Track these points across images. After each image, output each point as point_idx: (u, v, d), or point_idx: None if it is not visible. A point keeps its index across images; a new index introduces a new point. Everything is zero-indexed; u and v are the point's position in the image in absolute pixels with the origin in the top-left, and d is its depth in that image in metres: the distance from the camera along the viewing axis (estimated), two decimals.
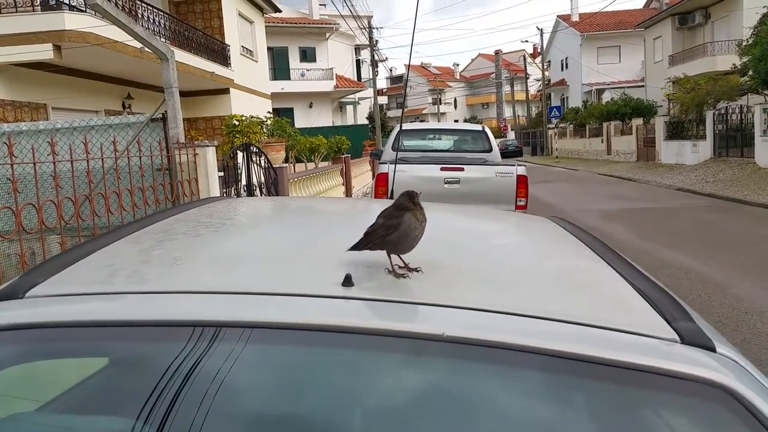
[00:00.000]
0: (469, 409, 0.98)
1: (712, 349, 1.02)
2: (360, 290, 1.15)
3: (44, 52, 10.99)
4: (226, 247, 1.53)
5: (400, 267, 1.27)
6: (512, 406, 1.01)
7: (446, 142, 9.58)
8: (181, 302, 1.15)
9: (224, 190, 7.61)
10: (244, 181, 8.63)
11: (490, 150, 9.02)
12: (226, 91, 18.01)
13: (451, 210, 2.29)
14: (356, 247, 1.29)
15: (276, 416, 1.01)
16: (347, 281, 1.16)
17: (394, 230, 1.27)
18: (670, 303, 1.17)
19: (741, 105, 21.37)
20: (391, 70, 68.32)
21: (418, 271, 1.25)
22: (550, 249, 1.67)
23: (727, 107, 21.90)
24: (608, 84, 42.02)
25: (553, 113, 42.50)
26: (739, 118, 21.00)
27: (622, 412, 0.97)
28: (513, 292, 1.23)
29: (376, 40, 34.25)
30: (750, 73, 19.41)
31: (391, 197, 2.86)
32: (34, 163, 4.67)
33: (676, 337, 1.03)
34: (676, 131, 25.60)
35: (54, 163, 4.80)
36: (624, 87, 38.64)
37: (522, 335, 1.01)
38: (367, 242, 1.28)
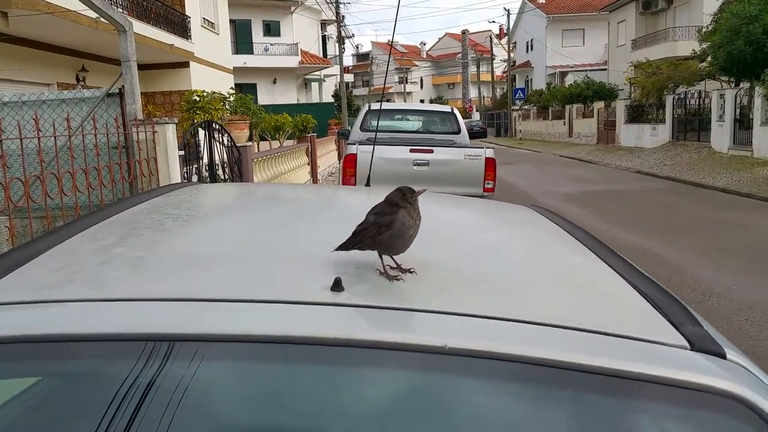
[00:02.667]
0: (473, 427, 0.89)
1: (723, 356, 0.95)
2: (351, 296, 1.03)
3: None
4: (197, 244, 1.37)
5: (392, 268, 1.16)
6: (519, 423, 0.93)
7: (415, 123, 9.48)
8: (141, 312, 1.00)
9: (185, 170, 7.34)
10: (205, 160, 8.36)
11: (458, 132, 8.97)
12: (185, 64, 17.44)
13: (431, 200, 2.18)
14: (344, 247, 1.17)
15: None
16: (336, 286, 1.04)
17: (387, 229, 1.15)
18: (675, 305, 1.10)
19: (699, 90, 21.89)
20: (357, 47, 67.69)
21: (411, 272, 1.14)
22: (543, 245, 1.58)
23: (686, 92, 22.40)
24: (572, 67, 42.46)
25: (517, 95, 42.81)
26: (697, 103, 21.51)
27: (632, 425, 0.90)
28: (514, 296, 1.13)
29: (343, 16, 33.73)
30: (709, 59, 19.89)
31: (368, 184, 2.72)
32: None
33: (686, 344, 0.96)
34: (637, 115, 26.08)
35: (0, 140, 4.51)
36: (587, 70, 39.16)
37: (532, 346, 0.92)
38: (356, 242, 1.16)
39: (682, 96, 22.40)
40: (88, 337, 0.94)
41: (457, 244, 1.46)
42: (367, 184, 2.66)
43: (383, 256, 1.17)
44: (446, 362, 0.90)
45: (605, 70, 37.29)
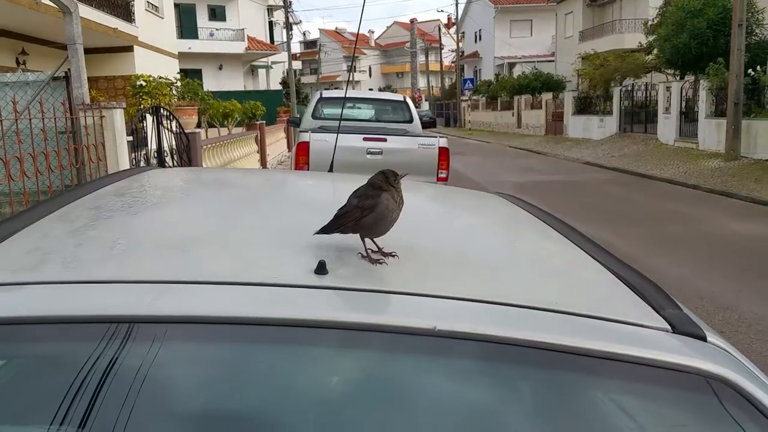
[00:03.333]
0: (457, 408, 0.91)
1: (703, 338, 0.99)
2: (335, 279, 1.03)
3: None
4: (173, 227, 1.34)
5: (374, 252, 1.16)
6: (505, 404, 0.95)
7: (367, 112, 9.45)
8: (122, 293, 0.98)
9: (133, 156, 7.12)
10: (153, 147, 8.13)
11: (411, 120, 8.99)
12: (129, 48, 16.81)
13: (402, 186, 2.19)
14: (325, 230, 1.16)
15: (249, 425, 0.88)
16: (321, 269, 1.03)
17: (370, 212, 1.15)
18: (653, 289, 1.13)
19: (646, 83, 22.51)
20: (305, 34, 66.81)
21: (393, 256, 1.14)
22: (518, 230, 1.60)
23: (633, 84, 23.01)
24: (520, 58, 42.96)
25: (466, 85, 43.21)
26: (644, 95, 22.13)
27: (617, 406, 0.93)
28: (496, 280, 1.15)
29: (290, 1, 33.16)
30: (655, 51, 20.42)
31: (331, 170, 2.71)
32: None
33: (667, 326, 0.99)
34: (584, 106, 26.67)
35: None
36: (535, 61, 39.66)
37: (515, 328, 0.93)
38: (338, 225, 1.16)
39: (630, 88, 23.00)
40: (54, 320, 0.91)
41: (434, 229, 1.48)
42: (330, 170, 2.65)
43: (365, 240, 1.16)
44: (433, 344, 0.90)
45: (553, 61, 37.94)
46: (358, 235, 1.17)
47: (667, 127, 19.51)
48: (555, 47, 38.77)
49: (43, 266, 1.11)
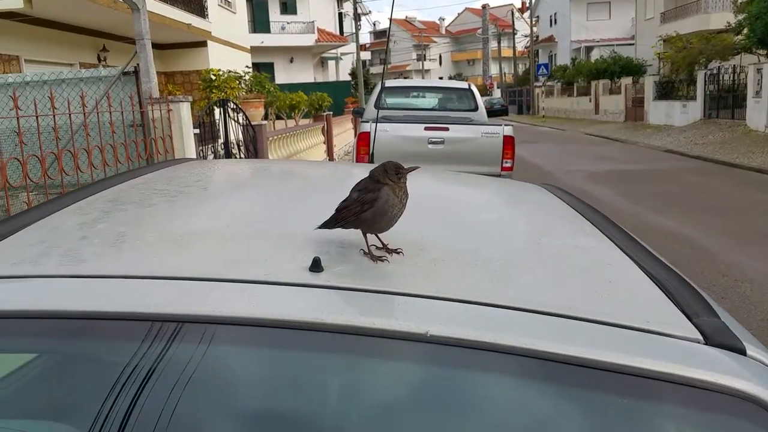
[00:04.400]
0: (452, 424, 0.82)
1: (742, 352, 0.85)
2: (330, 277, 0.97)
3: (14, 0, 10.43)
4: (179, 221, 1.33)
5: (377, 248, 1.09)
6: (501, 420, 0.85)
7: (431, 101, 9.31)
8: (113, 289, 0.96)
9: (200, 148, 7.32)
10: (222, 139, 8.34)
11: (476, 109, 8.78)
12: (203, 43, 17.40)
13: (435, 177, 2.08)
14: (327, 225, 1.10)
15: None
16: (315, 266, 0.98)
17: (370, 207, 1.08)
18: (690, 293, 0.99)
19: (734, 65, 21.12)
20: (374, 24, 66.93)
21: (398, 253, 1.08)
22: (549, 226, 1.48)
23: (719, 67, 21.66)
24: (597, 41, 41.53)
25: (540, 71, 41.92)
26: (731, 78, 20.77)
27: (632, 428, 0.81)
28: (509, 281, 1.05)
29: None
30: (745, 31, 19.10)
31: (371, 161, 2.64)
32: None
33: (699, 337, 0.86)
34: (666, 91, 25.39)
35: (18, 118, 4.51)
36: (613, 45, 38.22)
37: (522, 335, 0.83)
38: (338, 219, 1.10)
39: (715, 71, 21.65)
40: (52, 314, 0.90)
41: (457, 223, 1.38)
42: (371, 160, 2.57)
43: (368, 235, 1.10)
44: (426, 350, 0.83)
45: (633, 44, 36.34)
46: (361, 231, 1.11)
47: (756, 112, 18.20)
48: (635, 30, 37.04)
49: (43, 260, 1.11)
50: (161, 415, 0.76)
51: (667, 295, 0.99)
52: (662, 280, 1.04)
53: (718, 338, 0.86)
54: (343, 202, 1.11)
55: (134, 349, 0.87)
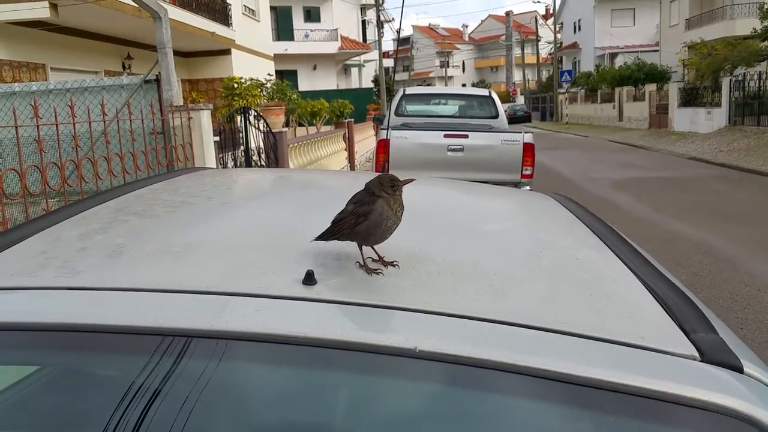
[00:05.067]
0: None
1: (739, 370, 0.82)
2: (323, 290, 0.96)
3: (40, 9, 10.67)
4: (179, 232, 1.33)
5: (373, 260, 1.09)
6: None
7: (451, 108, 9.29)
8: (104, 301, 0.96)
9: (220, 156, 7.38)
10: (242, 146, 8.40)
11: (496, 116, 8.74)
12: (227, 51, 17.61)
13: (439, 185, 2.06)
14: (323, 237, 1.10)
15: None
16: (309, 279, 0.97)
17: (364, 219, 1.08)
18: (689, 308, 0.97)
19: (760, 71, 20.74)
20: (398, 32, 67.06)
21: (394, 266, 1.07)
22: (552, 237, 1.45)
23: (744, 74, 21.29)
24: (621, 48, 41.17)
25: (564, 77, 41.61)
26: (757, 85, 20.38)
27: None
28: (504, 295, 1.03)
29: (382, 0, 33.41)
30: None
31: (384, 169, 2.62)
32: (16, 127, 4.46)
33: (695, 353, 0.84)
34: (691, 98, 25.02)
35: (38, 126, 4.59)
36: (638, 51, 37.91)
37: (512, 351, 0.82)
38: (334, 231, 1.10)
39: (741, 78, 21.29)
40: (46, 327, 0.90)
41: (458, 235, 1.35)
42: (384, 169, 2.56)
43: (364, 248, 1.10)
44: (415, 366, 0.81)
45: (657, 51, 35.95)
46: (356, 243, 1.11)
47: None
48: (659, 36, 36.65)
49: (41, 271, 1.11)
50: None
51: (665, 310, 0.96)
52: (662, 294, 1.02)
53: (715, 355, 0.83)
54: (339, 214, 1.11)
55: (123, 362, 0.88)
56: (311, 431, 0.84)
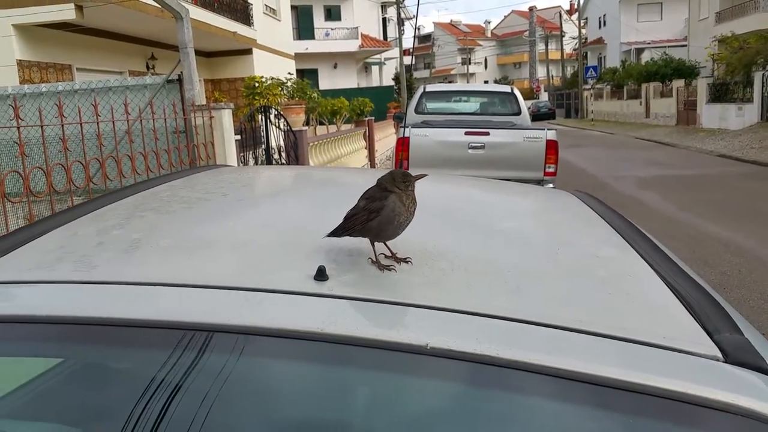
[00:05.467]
0: None
1: (765, 371, 0.79)
2: (335, 286, 0.95)
3: (66, 11, 10.86)
4: (193, 227, 1.33)
5: (386, 257, 1.08)
6: None
7: (472, 105, 9.21)
8: (120, 295, 0.96)
9: (241, 154, 7.42)
10: (263, 145, 8.44)
11: (518, 113, 8.64)
12: (248, 51, 17.75)
13: (458, 183, 2.03)
14: (335, 233, 1.09)
15: None
16: (320, 275, 0.96)
17: (376, 215, 1.07)
18: (712, 308, 0.93)
19: None
20: (418, 29, 66.93)
21: (407, 262, 1.06)
22: (571, 234, 1.42)
23: None
24: (648, 43, 40.56)
25: (589, 73, 41.10)
26: None
27: None
28: (520, 292, 1.00)
29: None
30: None
31: (403, 168, 2.59)
32: (41, 126, 4.52)
33: (719, 354, 0.81)
34: (720, 94, 24.52)
35: (63, 125, 4.66)
36: (665, 46, 37.29)
37: (526, 349, 0.80)
38: (346, 227, 1.09)
39: None
40: (61, 320, 0.91)
41: (474, 232, 1.33)
42: (402, 166, 2.53)
43: (375, 244, 1.09)
44: (426, 363, 0.80)
45: (685, 46, 35.32)
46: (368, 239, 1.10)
47: None
48: (687, 31, 35.97)
49: (62, 265, 1.12)
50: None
51: (688, 310, 0.93)
52: (684, 293, 0.98)
53: (739, 356, 0.80)
54: (351, 210, 1.10)
55: (137, 356, 0.89)
56: (322, 427, 0.83)
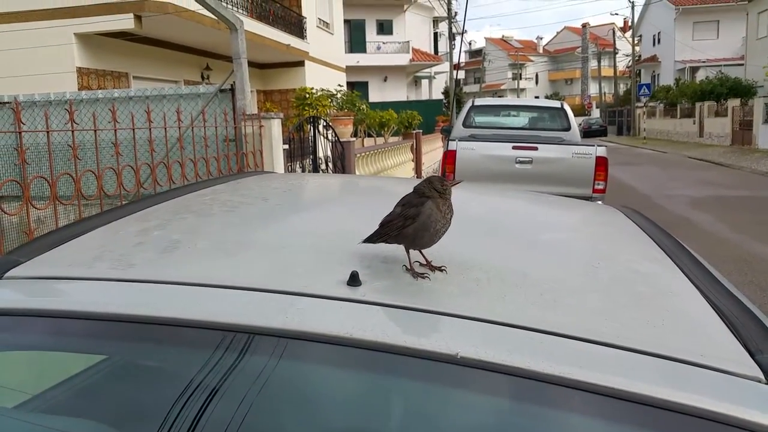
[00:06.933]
0: None
1: None
2: (367, 292, 0.95)
3: (125, 21, 11.26)
4: (231, 230, 1.35)
5: (420, 264, 1.07)
6: None
7: (521, 119, 9.11)
8: (156, 293, 0.98)
9: (288, 164, 7.53)
10: (311, 155, 8.55)
11: (568, 128, 8.50)
12: (301, 63, 18.03)
13: (502, 195, 2.02)
14: (370, 240, 1.09)
15: None
16: (353, 280, 0.97)
17: (412, 222, 1.06)
18: (756, 327, 0.90)
19: None
20: (469, 44, 66.82)
21: (442, 271, 1.04)
22: (612, 249, 1.38)
23: None
24: (703, 61, 39.40)
25: (642, 91, 40.19)
26: None
27: None
28: (557, 305, 0.98)
29: (455, 12, 33.36)
30: None
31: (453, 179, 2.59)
32: (95, 131, 4.69)
33: (760, 375, 0.78)
34: None
35: (115, 130, 4.82)
36: (721, 65, 36.18)
37: (560, 363, 0.78)
38: (382, 234, 1.09)
39: None
40: (99, 316, 0.93)
41: (512, 243, 1.31)
42: (451, 178, 2.53)
43: (411, 251, 1.08)
44: (457, 373, 0.79)
45: (742, 65, 34.18)
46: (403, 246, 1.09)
47: None
48: (745, 49, 34.83)
49: (100, 263, 1.15)
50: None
51: (729, 328, 0.90)
52: (727, 312, 0.95)
53: None
54: (387, 216, 1.10)
55: (172, 355, 0.89)
56: (348, 430, 0.84)
